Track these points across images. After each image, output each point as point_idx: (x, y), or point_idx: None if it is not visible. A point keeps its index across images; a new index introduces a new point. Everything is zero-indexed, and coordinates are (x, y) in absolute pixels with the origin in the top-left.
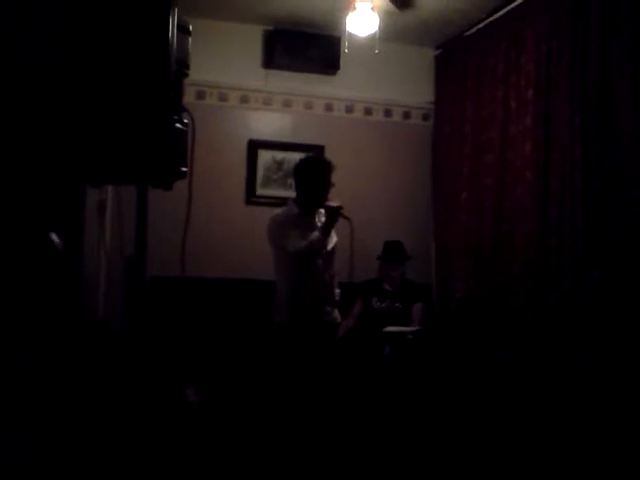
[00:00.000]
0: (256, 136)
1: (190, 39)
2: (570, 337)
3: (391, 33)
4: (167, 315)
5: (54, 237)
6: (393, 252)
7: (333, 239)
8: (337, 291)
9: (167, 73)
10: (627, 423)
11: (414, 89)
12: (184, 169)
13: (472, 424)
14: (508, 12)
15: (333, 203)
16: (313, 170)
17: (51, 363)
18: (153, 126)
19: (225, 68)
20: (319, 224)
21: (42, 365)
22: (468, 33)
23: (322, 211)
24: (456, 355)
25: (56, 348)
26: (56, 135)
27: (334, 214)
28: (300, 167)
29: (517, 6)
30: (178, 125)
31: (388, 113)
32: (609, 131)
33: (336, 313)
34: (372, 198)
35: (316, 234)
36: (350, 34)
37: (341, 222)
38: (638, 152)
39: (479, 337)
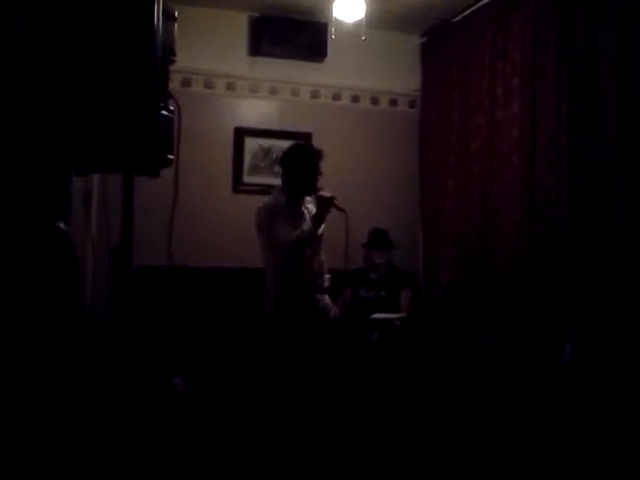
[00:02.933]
0: (243, 123)
1: (176, 25)
2: (556, 330)
3: (378, 20)
4: (154, 304)
5: (62, 226)
6: (378, 239)
7: (321, 227)
8: (327, 276)
9: (153, 59)
10: (609, 413)
11: (401, 76)
12: (170, 157)
13: (459, 410)
14: None
15: (325, 193)
16: (301, 158)
17: (46, 353)
18: (139, 113)
19: (211, 55)
20: (306, 212)
21: (36, 354)
22: (454, 20)
23: (309, 199)
24: (443, 341)
25: (53, 338)
26: (41, 124)
27: (327, 205)
28: (288, 155)
29: None
30: (164, 112)
31: (375, 100)
32: (594, 118)
33: (327, 299)
34: (359, 186)
35: (309, 224)
36: (337, 20)
37: (332, 211)
38: (623, 140)
39: (466, 324)
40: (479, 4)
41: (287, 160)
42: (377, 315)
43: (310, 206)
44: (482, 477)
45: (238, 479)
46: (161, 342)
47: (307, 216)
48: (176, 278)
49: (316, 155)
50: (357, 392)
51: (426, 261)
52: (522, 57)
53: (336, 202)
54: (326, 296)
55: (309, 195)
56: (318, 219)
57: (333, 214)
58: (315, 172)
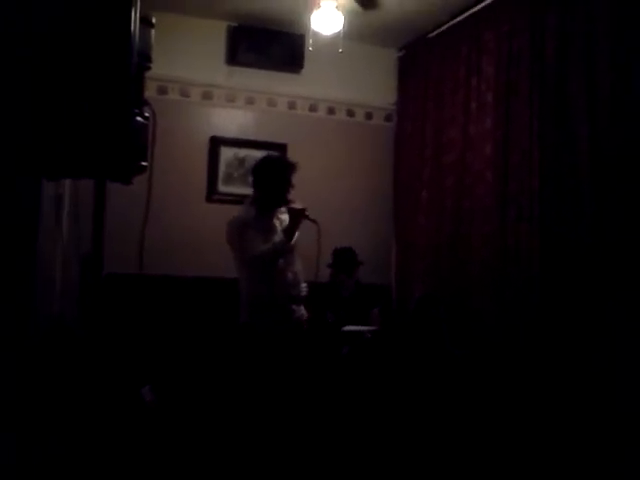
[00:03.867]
0: (218, 133)
1: (153, 32)
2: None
3: (355, 33)
4: (124, 313)
5: None
6: (343, 261)
7: (295, 237)
8: (303, 285)
9: (128, 65)
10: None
11: (377, 89)
12: (144, 163)
13: (430, 422)
14: (470, 15)
15: (297, 205)
16: (273, 170)
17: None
18: (113, 118)
19: (188, 63)
20: (277, 224)
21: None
22: (431, 35)
23: (282, 210)
24: (414, 354)
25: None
26: (11, 127)
27: (298, 217)
28: (260, 167)
29: (479, 10)
30: (139, 118)
31: (351, 113)
32: (565, 135)
33: (302, 310)
34: (333, 197)
35: (280, 237)
36: (314, 32)
37: (305, 223)
38: (591, 156)
39: (437, 336)
40: (455, 20)
41: (259, 171)
42: (348, 327)
43: (283, 217)
44: None
45: None
46: (130, 351)
47: (278, 228)
48: (146, 286)
49: (289, 167)
50: (328, 404)
51: (399, 273)
52: (496, 73)
53: (307, 214)
54: (302, 307)
55: (280, 207)
56: (290, 231)
57: (305, 226)
58: (286, 184)
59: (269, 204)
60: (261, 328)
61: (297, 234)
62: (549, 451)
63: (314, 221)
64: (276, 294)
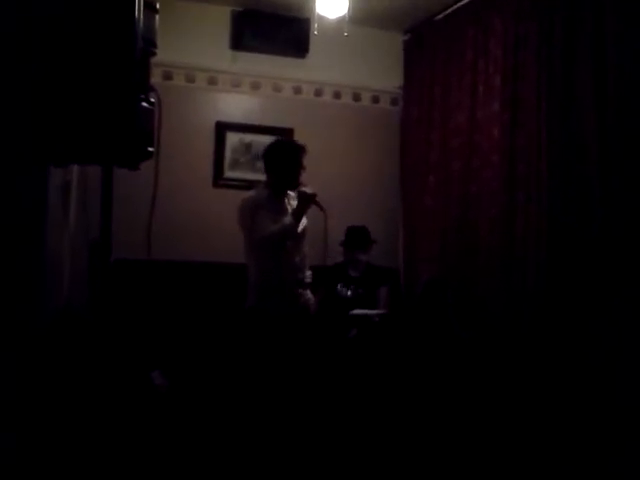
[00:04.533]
0: (224, 118)
1: (157, 17)
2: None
3: (361, 16)
4: (132, 298)
5: None
6: (357, 238)
7: (303, 222)
8: (308, 272)
9: (133, 50)
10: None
11: (383, 73)
12: (151, 149)
13: (438, 405)
14: None
15: (308, 190)
16: (285, 153)
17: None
18: (119, 104)
19: (193, 49)
20: (289, 207)
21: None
22: (437, 18)
23: (292, 194)
24: (421, 337)
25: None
26: (18, 114)
27: (308, 201)
28: (271, 150)
29: None
30: (144, 104)
31: (357, 97)
32: (572, 117)
33: (308, 294)
34: (341, 181)
35: (289, 218)
36: (320, 16)
37: (313, 207)
38: (599, 139)
39: (445, 319)
40: (461, 2)
41: (270, 154)
42: (356, 311)
43: (294, 202)
44: (463, 472)
45: (217, 474)
46: (139, 336)
47: (289, 211)
48: (154, 272)
49: (299, 150)
50: (335, 388)
51: (406, 257)
52: (503, 55)
53: (317, 200)
54: (308, 291)
55: (292, 190)
56: (298, 214)
57: (313, 211)
58: (298, 167)
59: (281, 187)
60: (268, 311)
61: (305, 221)
62: (555, 435)
63: (322, 208)
64: (283, 278)
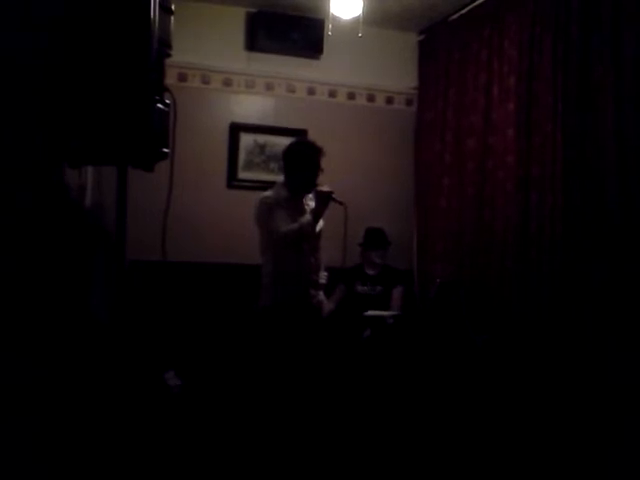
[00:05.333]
0: (238, 119)
1: (172, 19)
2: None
3: (375, 17)
4: (147, 299)
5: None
6: (374, 238)
7: (320, 223)
8: (324, 274)
9: (148, 52)
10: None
11: (397, 74)
12: (165, 150)
13: (450, 408)
14: None
15: (324, 188)
16: (305, 155)
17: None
18: (134, 105)
19: (208, 50)
20: (307, 208)
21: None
22: (452, 18)
23: (310, 196)
24: (435, 339)
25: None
26: (34, 115)
27: (326, 199)
28: (291, 151)
29: None
30: (159, 105)
31: (371, 98)
32: (589, 118)
33: (321, 296)
34: (355, 183)
35: (307, 217)
36: (334, 17)
37: (331, 207)
38: (617, 139)
39: (458, 322)
40: (476, 3)
41: (289, 156)
42: (370, 312)
43: (311, 203)
44: (475, 473)
45: (231, 473)
46: (154, 337)
47: (308, 211)
48: (169, 273)
49: (318, 152)
50: (348, 388)
51: (420, 258)
52: (518, 56)
53: (334, 196)
54: (321, 292)
55: (309, 191)
56: (317, 213)
57: (331, 211)
58: (317, 168)
59: (299, 188)
60: (280, 310)
61: (322, 222)
62: (572, 436)
63: (342, 203)
64: (297, 277)
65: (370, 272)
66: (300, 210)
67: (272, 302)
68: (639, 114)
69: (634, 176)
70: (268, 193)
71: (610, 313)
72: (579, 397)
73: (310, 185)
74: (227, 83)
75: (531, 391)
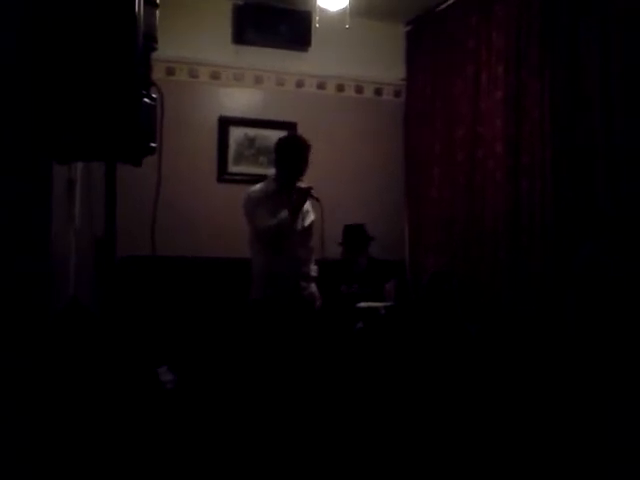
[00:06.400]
0: (227, 113)
1: (158, 13)
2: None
3: (362, 9)
4: (138, 295)
5: None
6: (354, 238)
7: (310, 217)
8: (314, 267)
9: (134, 47)
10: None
11: (385, 65)
12: (153, 145)
13: (444, 398)
14: None
15: (303, 184)
16: (295, 148)
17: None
18: (121, 101)
19: (195, 44)
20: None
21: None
22: (439, 8)
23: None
24: (428, 329)
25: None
26: (20, 111)
27: (304, 195)
28: (282, 145)
29: None
30: (146, 100)
31: (360, 89)
32: (577, 105)
33: (313, 288)
34: (344, 174)
35: (285, 213)
36: (321, 9)
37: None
38: (606, 127)
39: (451, 311)
40: None
41: (280, 149)
42: (362, 304)
43: None
44: (470, 462)
45: (224, 469)
46: (145, 332)
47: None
48: (160, 268)
49: (308, 147)
50: (342, 381)
51: (412, 248)
52: (506, 44)
53: (312, 192)
54: (313, 285)
55: (295, 184)
56: (295, 208)
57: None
58: (305, 163)
59: (289, 182)
60: (270, 302)
61: (313, 216)
62: (564, 426)
63: (317, 199)
64: (286, 270)
65: (356, 270)
66: (286, 204)
67: (263, 295)
68: (627, 100)
69: (623, 161)
70: (256, 187)
71: (601, 300)
72: (571, 385)
73: (296, 178)
74: (215, 76)
75: (524, 380)
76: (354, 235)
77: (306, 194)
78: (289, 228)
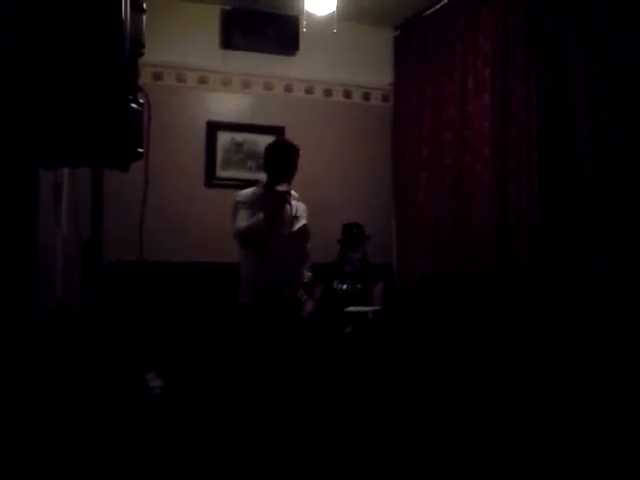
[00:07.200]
0: (215, 117)
1: (144, 17)
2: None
3: (350, 13)
4: (125, 300)
5: None
6: (352, 235)
7: (301, 222)
8: (308, 274)
9: (121, 52)
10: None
11: (373, 70)
12: (140, 150)
13: (432, 401)
14: None
15: (282, 188)
16: (285, 153)
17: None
18: (108, 106)
19: (183, 48)
20: (289, 207)
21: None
22: (427, 13)
23: (295, 196)
24: (416, 334)
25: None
26: (5, 116)
27: (282, 198)
28: (271, 150)
29: None
30: (133, 105)
31: (348, 94)
32: (563, 108)
33: (301, 294)
34: (333, 179)
35: (259, 216)
36: (308, 13)
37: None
38: (590, 129)
39: (440, 315)
40: None
41: (271, 153)
42: (351, 308)
43: (294, 202)
44: (459, 463)
45: (213, 472)
46: (133, 337)
47: (288, 210)
48: (147, 273)
49: (297, 152)
50: (331, 386)
51: (399, 252)
52: (493, 48)
53: (288, 196)
54: (301, 291)
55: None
56: (271, 211)
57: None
58: (294, 168)
59: (273, 186)
60: (257, 307)
61: (304, 220)
62: (553, 431)
63: (291, 206)
64: (273, 275)
65: (348, 270)
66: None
67: (250, 300)
68: (612, 102)
69: (608, 163)
70: (243, 191)
71: (589, 303)
72: (560, 386)
73: (285, 180)
74: (203, 81)
75: (513, 382)
76: (351, 233)
77: (283, 197)
78: (264, 231)
